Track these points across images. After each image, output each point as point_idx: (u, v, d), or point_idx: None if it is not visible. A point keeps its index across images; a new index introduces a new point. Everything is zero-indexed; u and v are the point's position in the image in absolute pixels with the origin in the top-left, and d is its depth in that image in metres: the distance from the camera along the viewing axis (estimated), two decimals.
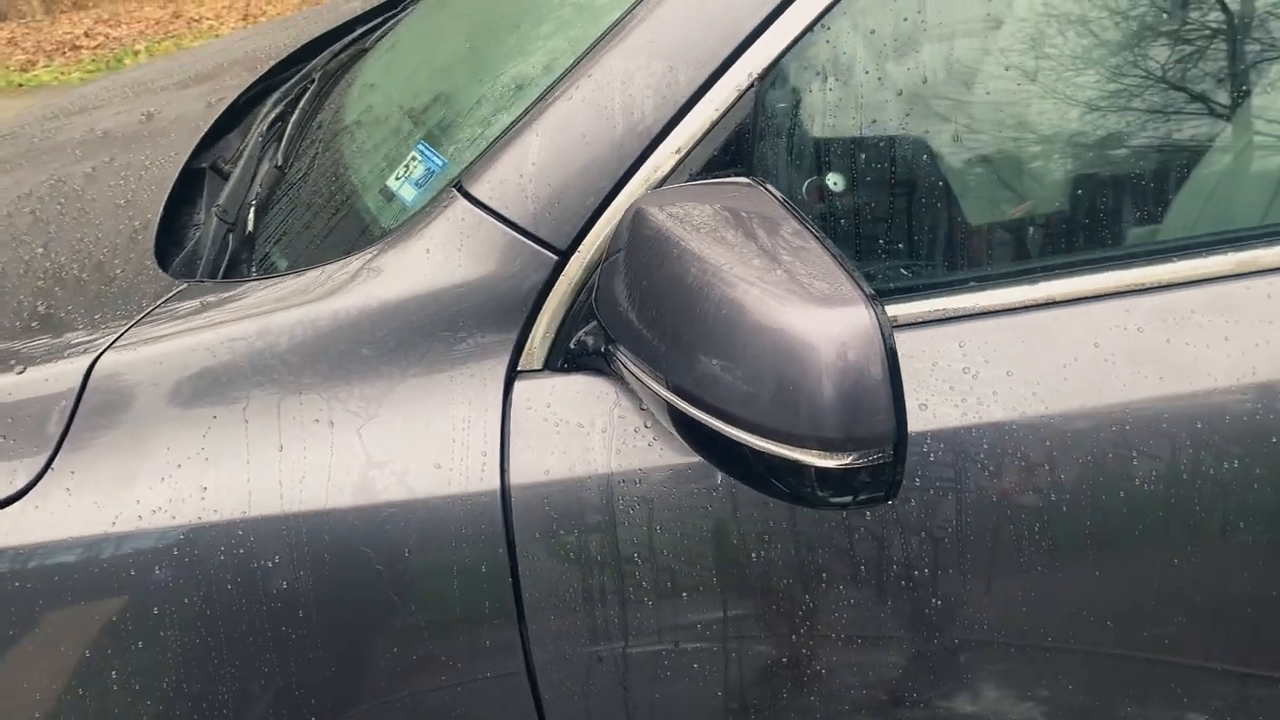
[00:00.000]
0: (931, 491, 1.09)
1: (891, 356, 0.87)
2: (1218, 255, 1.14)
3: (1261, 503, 1.12)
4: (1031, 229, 1.18)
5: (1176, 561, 1.14)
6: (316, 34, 2.41)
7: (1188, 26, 1.21)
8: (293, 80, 2.14)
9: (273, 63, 2.27)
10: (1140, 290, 1.13)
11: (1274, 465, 1.11)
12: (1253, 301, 1.12)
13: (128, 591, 1.12)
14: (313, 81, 2.04)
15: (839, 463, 0.90)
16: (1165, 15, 1.19)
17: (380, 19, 2.42)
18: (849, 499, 0.94)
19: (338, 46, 2.29)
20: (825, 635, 1.17)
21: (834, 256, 0.94)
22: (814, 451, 0.90)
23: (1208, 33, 1.20)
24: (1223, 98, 1.20)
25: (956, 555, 1.12)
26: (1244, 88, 1.20)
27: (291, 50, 2.33)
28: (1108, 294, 1.13)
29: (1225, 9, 1.19)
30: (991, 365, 1.10)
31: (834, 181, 1.15)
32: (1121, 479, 1.11)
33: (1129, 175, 1.20)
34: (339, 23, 2.47)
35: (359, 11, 2.56)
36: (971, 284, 1.14)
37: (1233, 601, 1.16)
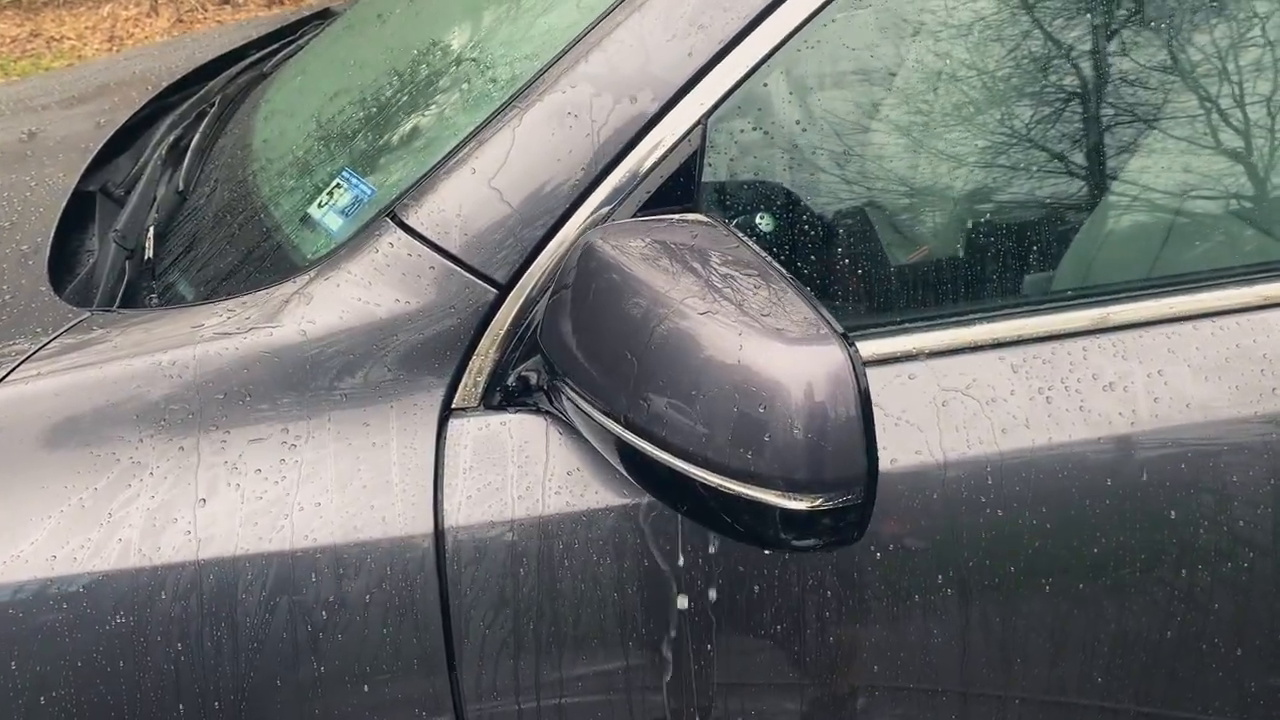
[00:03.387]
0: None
1: (865, 397, 0.86)
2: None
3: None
4: (941, 273, 1.19)
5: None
6: (209, 57, 2.31)
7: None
8: (189, 103, 2.04)
9: (165, 84, 2.16)
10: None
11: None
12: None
13: (16, 645, 1.02)
14: (211, 105, 1.95)
15: (807, 505, 0.88)
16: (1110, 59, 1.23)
17: (278, 44, 2.34)
18: (814, 542, 0.92)
19: (234, 70, 2.20)
20: (769, 684, 1.15)
21: (800, 293, 0.93)
22: (778, 492, 0.88)
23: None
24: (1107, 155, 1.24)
25: (871, 603, 1.12)
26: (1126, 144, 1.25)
27: (185, 72, 2.23)
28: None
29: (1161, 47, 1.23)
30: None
31: (762, 219, 1.14)
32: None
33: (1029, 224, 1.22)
34: (232, 47, 2.38)
35: (253, 37, 2.47)
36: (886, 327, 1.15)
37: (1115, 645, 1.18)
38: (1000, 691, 1.17)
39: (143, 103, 2.04)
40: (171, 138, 1.82)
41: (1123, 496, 1.14)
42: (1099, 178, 1.22)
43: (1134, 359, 1.15)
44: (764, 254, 0.98)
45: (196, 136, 1.77)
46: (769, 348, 0.88)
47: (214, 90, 2.07)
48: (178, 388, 1.09)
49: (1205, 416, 1.14)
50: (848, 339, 0.88)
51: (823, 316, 0.90)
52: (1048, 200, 1.20)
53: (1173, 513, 1.14)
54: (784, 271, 0.96)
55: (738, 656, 1.14)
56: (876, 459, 0.88)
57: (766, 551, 1.07)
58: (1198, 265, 1.21)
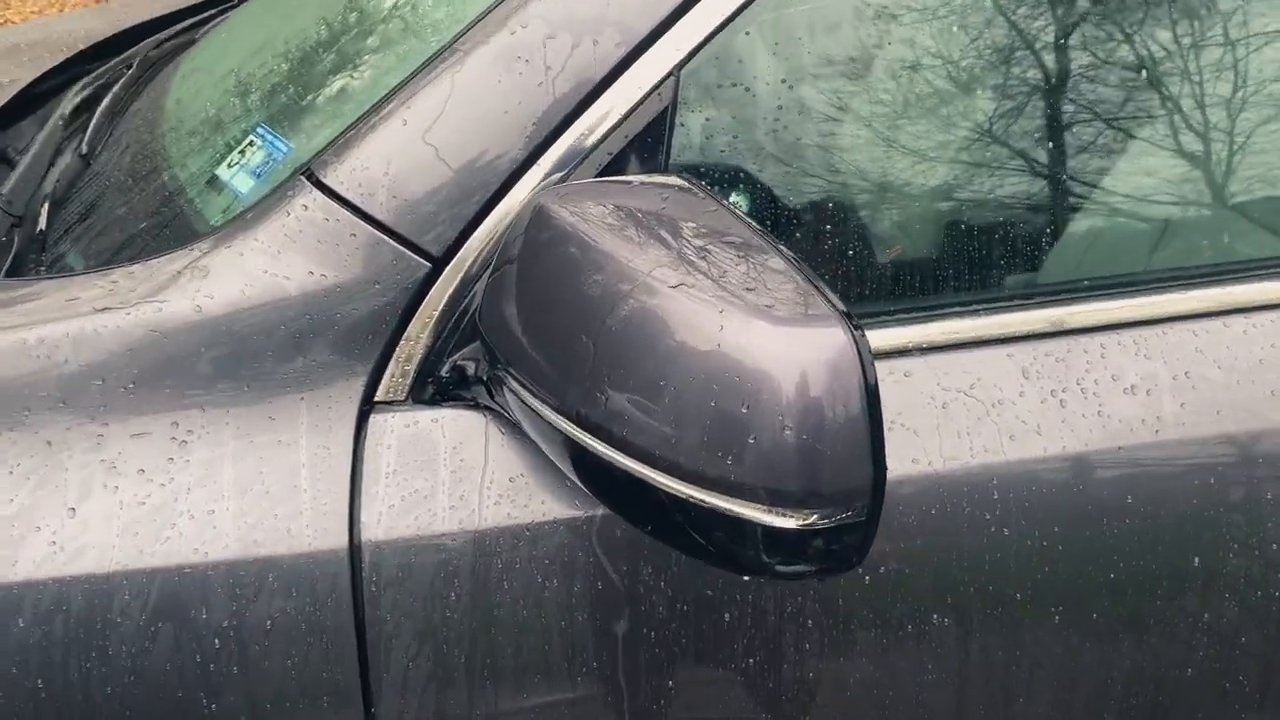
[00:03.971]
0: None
1: (872, 391, 0.71)
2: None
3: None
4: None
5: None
6: (136, 21, 2.13)
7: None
8: (106, 66, 1.86)
9: (82, 47, 1.98)
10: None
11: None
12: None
13: None
14: (130, 68, 1.77)
15: (796, 522, 0.72)
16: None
17: (213, 12, 2.17)
18: (803, 568, 0.76)
19: (162, 35, 2.02)
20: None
21: (795, 266, 0.77)
22: (762, 507, 0.73)
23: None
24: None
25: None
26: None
27: (105, 36, 2.05)
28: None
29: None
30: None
31: (741, 188, 0.99)
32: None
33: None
34: (164, 13, 2.20)
35: (187, 4, 2.29)
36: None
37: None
38: None
39: (54, 64, 1.86)
40: (80, 100, 1.64)
41: (1144, 515, 1.00)
42: (1124, 154, 1.08)
43: (1158, 358, 1.02)
44: (750, 221, 0.82)
45: (108, 98, 1.60)
46: (755, 329, 0.72)
47: (136, 54, 1.89)
48: (46, 372, 0.92)
49: (1238, 425, 1.00)
50: (851, 320, 0.72)
51: (821, 293, 0.75)
52: (1066, 176, 1.07)
53: (1200, 535, 1.01)
54: (774, 241, 0.80)
55: (703, 693, 0.99)
56: (884, 468, 0.72)
57: (745, 578, 0.92)
58: (1229, 255, 1.08)
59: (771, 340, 0.72)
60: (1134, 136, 1.09)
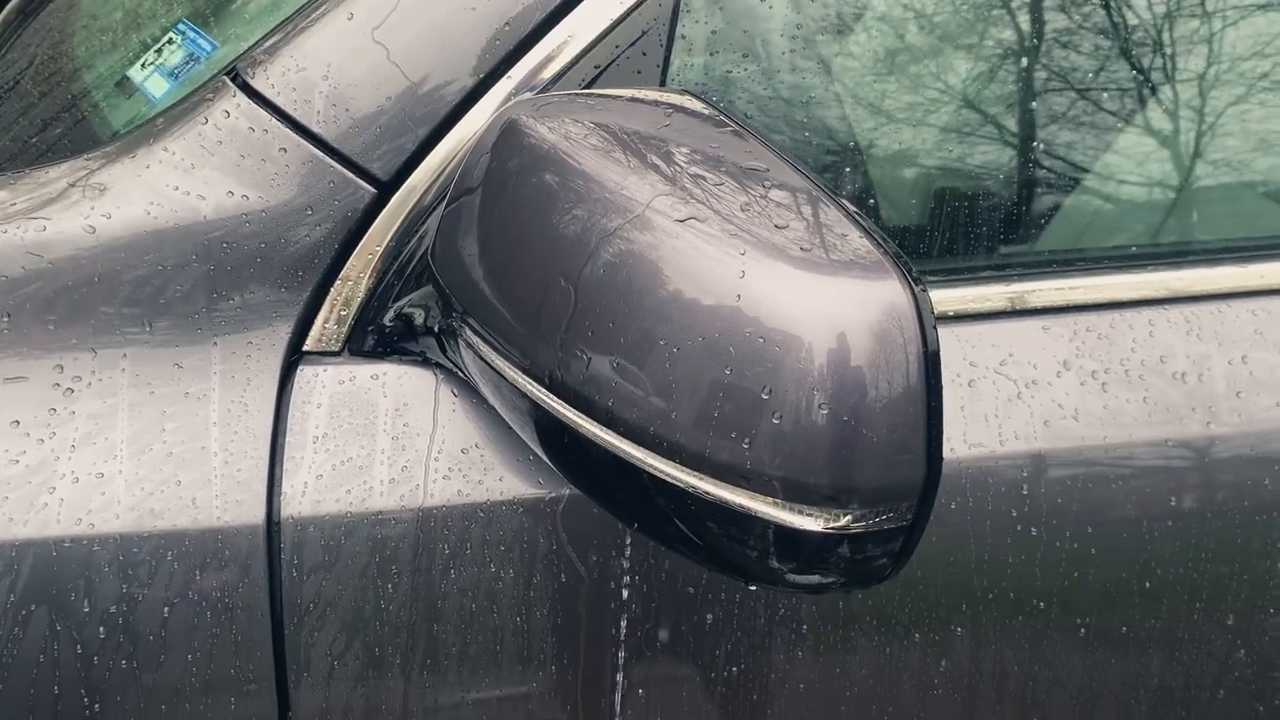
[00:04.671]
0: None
1: (933, 362, 0.56)
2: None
3: None
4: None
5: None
6: None
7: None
8: None
9: None
10: None
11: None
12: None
13: None
14: None
15: (822, 524, 0.58)
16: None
17: None
18: (821, 579, 0.62)
19: None
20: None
21: (836, 204, 0.62)
22: (777, 501, 0.58)
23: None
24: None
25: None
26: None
27: None
28: None
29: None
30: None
31: (752, 111, 0.85)
32: None
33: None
34: None
35: None
36: None
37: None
38: None
39: None
40: None
41: (1188, 517, 0.88)
42: (1176, 112, 0.95)
43: (1211, 340, 0.89)
44: (779, 149, 0.67)
45: None
46: (782, 276, 0.58)
47: None
48: None
49: None
50: (908, 268, 0.58)
51: (870, 234, 0.60)
52: (1116, 131, 0.93)
53: (1248, 542, 0.89)
54: (809, 172, 0.65)
55: (676, 703, 0.86)
56: (940, 459, 0.58)
57: (751, 587, 0.79)
58: None
59: (804, 291, 0.57)
60: (1194, 99, 0.96)
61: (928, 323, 0.57)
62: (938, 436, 0.58)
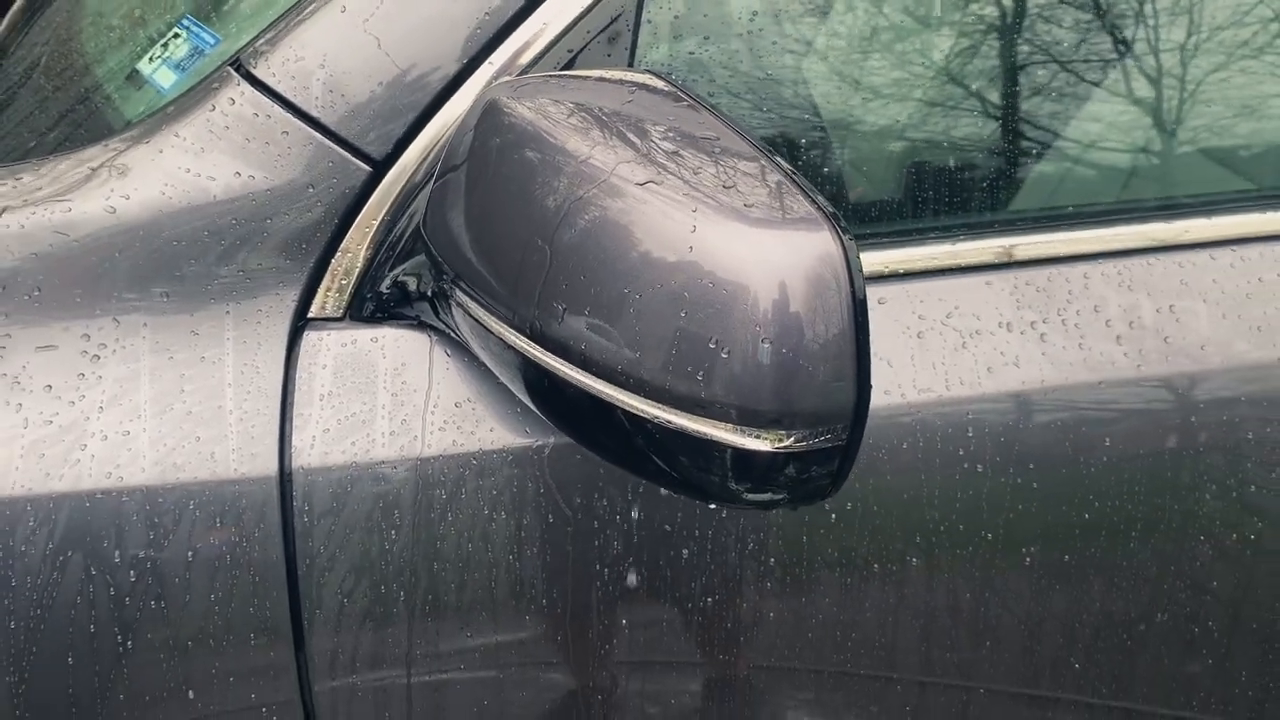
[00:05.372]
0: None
1: (859, 303, 0.64)
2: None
3: None
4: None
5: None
6: None
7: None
8: None
9: None
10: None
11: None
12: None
13: None
14: None
15: (769, 444, 0.66)
16: None
17: None
18: (772, 495, 0.70)
19: None
20: (690, 664, 0.94)
21: (777, 167, 0.70)
22: (732, 426, 0.66)
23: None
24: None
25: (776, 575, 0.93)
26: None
27: None
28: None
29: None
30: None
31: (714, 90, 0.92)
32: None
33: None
34: None
35: None
36: None
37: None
38: (965, 681, 0.99)
39: None
40: None
41: (1123, 455, 0.96)
42: (1109, 71, 1.02)
43: (1141, 290, 0.97)
44: (728, 119, 0.75)
45: None
46: (730, 231, 0.66)
47: None
48: None
49: (1223, 362, 0.96)
50: (839, 223, 0.66)
51: (806, 194, 0.68)
52: (1052, 93, 1.01)
53: (1179, 476, 0.97)
54: (754, 139, 0.73)
55: (656, 631, 0.93)
56: (869, 389, 0.66)
57: (711, 506, 0.86)
58: (1218, 186, 1.03)
59: (748, 244, 0.65)
60: (1118, 68, 1.03)
61: (855, 269, 0.65)
62: (866, 367, 0.66)
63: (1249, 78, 1.07)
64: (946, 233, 0.95)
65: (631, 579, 0.90)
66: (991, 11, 1.01)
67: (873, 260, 0.94)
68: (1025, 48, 1.01)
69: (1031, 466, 0.94)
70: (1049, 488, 0.95)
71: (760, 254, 0.65)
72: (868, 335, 0.64)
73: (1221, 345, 0.96)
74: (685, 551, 0.91)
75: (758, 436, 0.66)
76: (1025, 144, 1.01)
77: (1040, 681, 1.01)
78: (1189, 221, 1.00)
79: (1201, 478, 0.98)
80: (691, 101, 0.76)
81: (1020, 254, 0.96)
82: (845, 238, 0.65)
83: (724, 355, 0.65)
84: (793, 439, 0.66)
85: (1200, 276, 0.98)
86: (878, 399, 0.90)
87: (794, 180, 0.68)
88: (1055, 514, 0.96)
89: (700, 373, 0.66)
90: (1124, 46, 1.04)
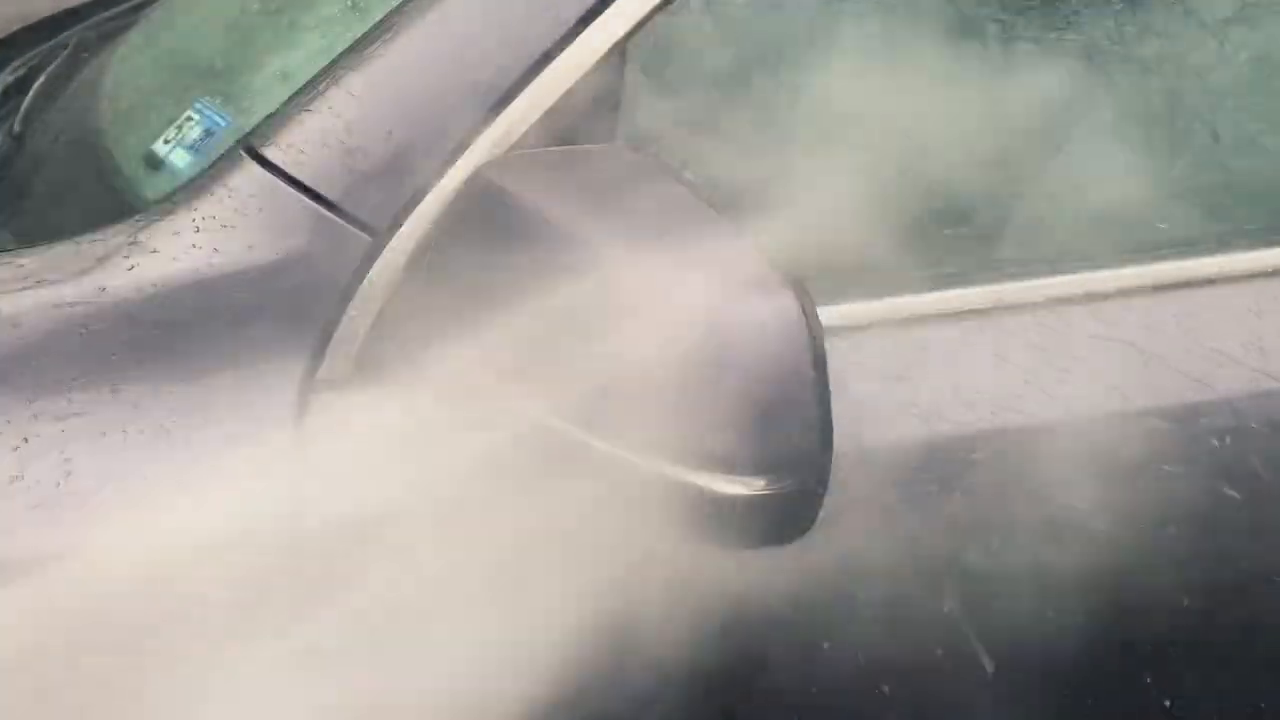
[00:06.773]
0: None
1: (819, 359, 0.71)
2: None
3: None
4: None
5: None
6: (74, 3, 2.08)
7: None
8: (40, 48, 1.81)
9: (16, 28, 1.93)
10: None
11: None
12: None
13: None
14: (65, 49, 1.72)
15: (748, 489, 0.71)
16: None
17: None
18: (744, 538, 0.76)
19: (103, 16, 1.97)
20: None
21: (746, 237, 0.77)
22: (713, 473, 0.72)
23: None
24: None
25: None
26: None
27: (41, 18, 1.99)
28: None
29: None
30: None
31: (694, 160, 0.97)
32: None
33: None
34: None
35: None
36: None
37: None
38: None
39: None
40: (11, 80, 1.59)
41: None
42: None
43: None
44: (700, 189, 0.81)
45: (42, 79, 1.55)
46: (703, 296, 0.72)
47: (72, 34, 1.84)
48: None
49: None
50: (802, 290, 0.72)
51: (770, 263, 0.74)
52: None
53: None
54: (724, 210, 0.79)
55: None
56: (831, 436, 0.72)
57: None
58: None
59: (720, 308, 0.71)
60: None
61: (815, 330, 0.71)
62: (828, 417, 0.72)
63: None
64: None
65: None
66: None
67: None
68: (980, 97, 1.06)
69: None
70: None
71: (730, 316, 0.71)
72: (828, 388, 0.71)
73: None
74: None
75: (737, 481, 0.72)
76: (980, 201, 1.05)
77: None
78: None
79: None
80: (664, 170, 0.82)
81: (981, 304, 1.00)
82: (809, 303, 0.71)
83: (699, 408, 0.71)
84: (764, 483, 0.72)
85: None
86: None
87: (758, 248, 0.75)
88: None
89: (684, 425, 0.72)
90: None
